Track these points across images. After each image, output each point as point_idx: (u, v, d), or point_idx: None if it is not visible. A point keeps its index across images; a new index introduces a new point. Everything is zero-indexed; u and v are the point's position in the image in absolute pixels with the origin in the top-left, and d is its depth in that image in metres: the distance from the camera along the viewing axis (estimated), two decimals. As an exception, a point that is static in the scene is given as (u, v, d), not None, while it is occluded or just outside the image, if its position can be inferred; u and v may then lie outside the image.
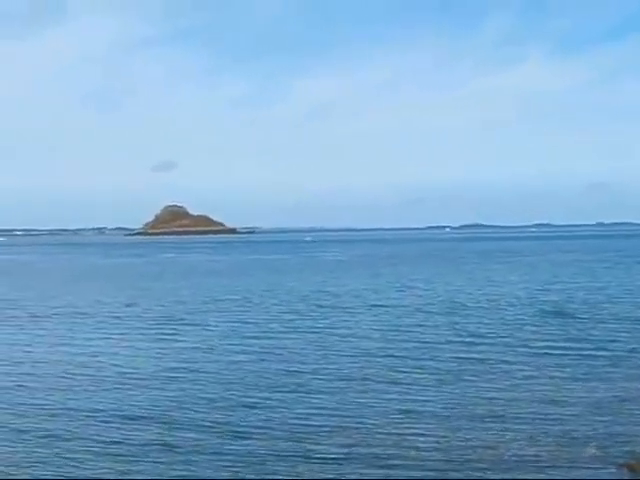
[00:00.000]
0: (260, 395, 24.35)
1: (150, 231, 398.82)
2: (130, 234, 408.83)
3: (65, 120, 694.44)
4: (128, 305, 51.64)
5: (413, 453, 18.27)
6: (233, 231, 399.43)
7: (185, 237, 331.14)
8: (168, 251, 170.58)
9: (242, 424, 20.90)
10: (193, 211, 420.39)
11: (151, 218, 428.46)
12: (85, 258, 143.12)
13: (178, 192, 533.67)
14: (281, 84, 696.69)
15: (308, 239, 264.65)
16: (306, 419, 21.38)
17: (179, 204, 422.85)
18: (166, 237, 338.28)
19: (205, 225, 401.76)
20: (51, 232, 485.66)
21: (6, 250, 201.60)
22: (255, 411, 22.31)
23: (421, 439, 19.37)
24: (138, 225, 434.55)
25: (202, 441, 19.40)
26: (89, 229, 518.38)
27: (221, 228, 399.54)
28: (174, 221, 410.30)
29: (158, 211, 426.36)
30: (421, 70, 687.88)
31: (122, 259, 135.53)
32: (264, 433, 20.03)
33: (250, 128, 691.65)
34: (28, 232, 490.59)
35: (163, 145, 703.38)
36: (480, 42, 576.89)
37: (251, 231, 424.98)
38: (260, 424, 20.88)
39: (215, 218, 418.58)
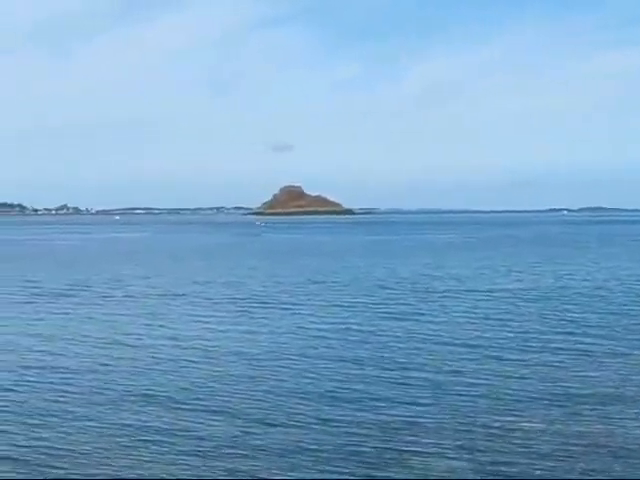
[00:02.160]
0: (348, 385, 23.11)
1: (267, 211, 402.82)
2: (248, 214, 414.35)
3: (185, 103, 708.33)
4: (227, 285, 51.50)
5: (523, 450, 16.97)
6: (350, 212, 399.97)
7: (301, 217, 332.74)
8: (283, 231, 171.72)
9: (331, 416, 19.73)
10: (310, 192, 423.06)
11: (269, 198, 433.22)
12: (198, 236, 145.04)
13: (296, 173, 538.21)
14: (395, 65, 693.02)
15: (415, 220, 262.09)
16: (399, 412, 20.02)
17: (296, 184, 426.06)
18: (283, 217, 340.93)
19: (321, 206, 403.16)
20: (170, 211, 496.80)
21: (120, 228, 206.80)
22: (343, 403, 21.08)
23: (533, 436, 17.94)
24: (257, 205, 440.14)
25: (291, 436, 18.27)
26: (208, 208, 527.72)
27: (337, 209, 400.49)
28: (291, 201, 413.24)
29: (276, 191, 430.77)
30: (533, 51, 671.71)
31: (237, 238, 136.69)
32: (352, 426, 18.85)
33: (365, 109, 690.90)
34: (149, 211, 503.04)
35: (280, 126, 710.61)
36: (596, 22, 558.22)
37: (368, 212, 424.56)
38: (348, 417, 19.69)
39: (332, 199, 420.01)
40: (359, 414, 19.87)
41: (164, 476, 15.71)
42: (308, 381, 23.59)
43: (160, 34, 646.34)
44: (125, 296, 46.01)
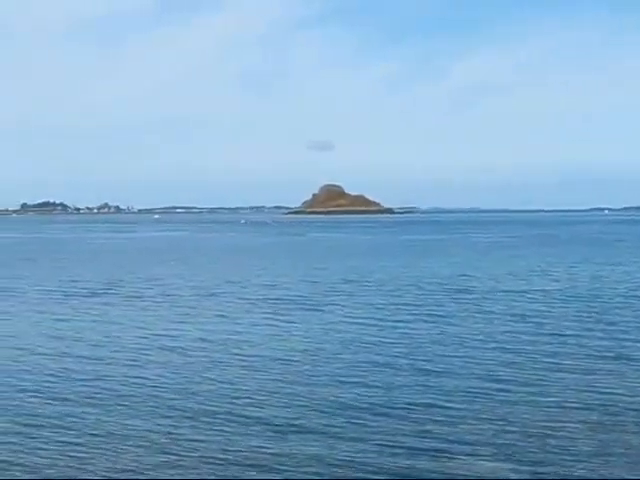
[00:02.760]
0: (382, 389, 22.83)
1: (307, 210, 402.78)
2: (288, 213, 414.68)
3: (227, 101, 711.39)
4: (262, 284, 51.53)
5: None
6: (390, 211, 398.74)
7: (341, 217, 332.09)
8: (322, 230, 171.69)
9: (365, 421, 19.48)
10: (350, 191, 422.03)
11: (309, 197, 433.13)
12: (236, 236, 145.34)
13: (336, 172, 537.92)
14: (436, 64, 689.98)
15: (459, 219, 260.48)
16: (435, 417, 19.68)
17: (336, 184, 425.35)
18: (323, 216, 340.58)
19: (361, 205, 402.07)
20: (211, 210, 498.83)
21: (159, 227, 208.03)
22: (377, 407, 20.78)
23: (571, 441, 17.61)
24: (296, 204, 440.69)
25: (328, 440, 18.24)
26: (247, 207, 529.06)
27: (377, 208, 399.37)
28: (331, 201, 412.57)
29: (316, 190, 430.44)
30: (582, 48, 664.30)
31: (275, 237, 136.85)
32: (387, 432, 18.51)
33: (405, 108, 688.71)
34: (189, 210, 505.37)
35: (321, 124, 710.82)
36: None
37: (408, 211, 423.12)
38: (383, 422, 19.39)
39: (372, 198, 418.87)
40: (394, 419, 19.60)
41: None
42: (342, 385, 23.32)
43: (203, 33, 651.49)
44: (160, 295, 46.14)
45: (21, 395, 22.09)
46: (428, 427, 18.69)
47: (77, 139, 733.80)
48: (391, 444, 17.41)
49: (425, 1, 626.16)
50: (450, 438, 17.79)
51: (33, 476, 15.77)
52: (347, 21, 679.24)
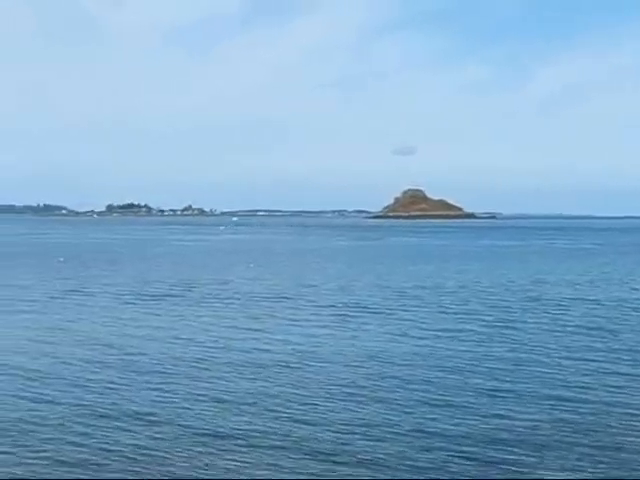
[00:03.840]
0: (450, 395, 22.42)
1: (389, 214, 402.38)
2: (370, 217, 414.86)
3: (312, 104, 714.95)
4: (336, 289, 51.21)
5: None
6: (472, 216, 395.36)
7: (422, 221, 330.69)
8: (402, 235, 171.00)
9: (430, 426, 19.28)
10: (432, 195, 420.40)
11: (391, 201, 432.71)
12: (315, 239, 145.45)
13: (418, 176, 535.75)
14: (522, 67, 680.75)
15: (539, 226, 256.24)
16: (506, 426, 19.23)
17: (418, 188, 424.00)
18: (404, 221, 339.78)
19: (443, 209, 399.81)
20: (293, 213, 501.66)
21: (239, 230, 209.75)
22: (442, 411, 20.57)
23: None
24: (378, 208, 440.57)
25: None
26: (330, 211, 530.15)
27: (459, 213, 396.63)
28: (413, 205, 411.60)
29: (398, 194, 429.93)
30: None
31: (354, 242, 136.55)
32: (450, 435, 18.42)
33: (490, 112, 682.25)
34: (271, 213, 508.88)
35: (403, 129, 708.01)
36: None
37: (491, 216, 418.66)
38: (450, 426, 19.21)
39: (454, 203, 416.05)
40: (461, 426, 19.24)
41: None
42: (410, 389, 22.98)
43: (290, 37, 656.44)
44: (233, 298, 46.26)
45: (93, 390, 22.29)
46: (497, 437, 18.31)
47: (163, 142, 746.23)
48: (457, 453, 17.09)
49: (512, 4, 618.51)
50: (516, 448, 17.33)
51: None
52: (432, 25, 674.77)
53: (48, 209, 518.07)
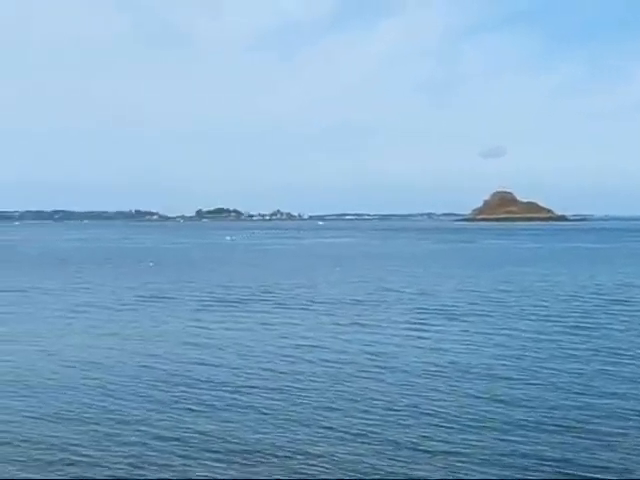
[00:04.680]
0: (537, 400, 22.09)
1: (478, 217, 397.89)
2: (458, 220, 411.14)
3: (399, 108, 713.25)
4: (420, 293, 50.92)
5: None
6: (562, 218, 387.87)
7: (512, 224, 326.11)
8: (491, 237, 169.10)
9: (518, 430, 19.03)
10: (521, 197, 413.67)
11: (479, 204, 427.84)
12: (402, 243, 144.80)
13: (507, 178, 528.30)
14: (614, 68, 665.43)
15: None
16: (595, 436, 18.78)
17: (507, 190, 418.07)
18: (493, 223, 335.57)
19: (533, 212, 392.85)
20: (381, 217, 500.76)
21: (326, 234, 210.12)
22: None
23: None
24: (466, 211, 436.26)
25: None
26: (418, 214, 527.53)
27: (549, 215, 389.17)
28: (502, 207, 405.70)
29: (487, 197, 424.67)
30: None
31: (442, 245, 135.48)
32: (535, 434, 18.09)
33: (581, 114, 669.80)
34: (359, 216, 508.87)
35: (492, 131, 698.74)
36: None
37: (582, 218, 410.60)
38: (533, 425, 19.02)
39: (544, 205, 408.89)
40: (544, 434, 18.85)
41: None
42: (492, 396, 22.63)
43: (377, 39, 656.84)
44: (315, 302, 46.41)
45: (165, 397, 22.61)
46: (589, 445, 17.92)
47: (253, 147, 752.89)
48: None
49: (602, 4, 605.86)
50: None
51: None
52: (518, 26, 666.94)
53: (139, 215, 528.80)
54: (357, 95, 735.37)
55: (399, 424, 19.61)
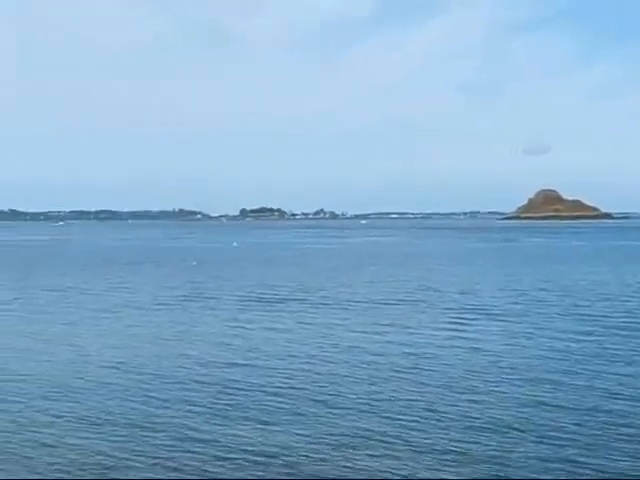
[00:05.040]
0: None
1: (522, 215, 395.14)
2: (502, 218, 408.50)
3: (442, 106, 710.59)
4: (460, 292, 50.44)
5: None
6: (608, 216, 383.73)
7: (557, 222, 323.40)
8: (535, 236, 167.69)
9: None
10: (566, 195, 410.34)
11: (524, 202, 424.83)
12: (443, 241, 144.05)
13: (552, 176, 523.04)
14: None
15: None
16: None
17: (552, 188, 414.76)
18: (537, 222, 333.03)
19: (578, 210, 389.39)
20: (425, 216, 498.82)
21: (367, 233, 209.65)
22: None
23: None
24: (511, 209, 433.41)
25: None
26: (461, 213, 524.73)
27: (595, 213, 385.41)
28: (547, 205, 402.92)
29: (531, 195, 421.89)
30: None
31: (483, 244, 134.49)
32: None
33: (627, 112, 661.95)
34: (402, 215, 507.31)
35: (535, 128, 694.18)
36: None
37: (627, 216, 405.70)
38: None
39: (589, 203, 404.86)
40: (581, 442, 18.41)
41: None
42: (533, 393, 22.25)
43: (420, 37, 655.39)
44: (355, 301, 46.15)
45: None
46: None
47: (296, 146, 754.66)
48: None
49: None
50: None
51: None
52: (568, 24, 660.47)
53: (182, 214, 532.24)
54: (400, 94, 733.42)
55: (439, 427, 19.29)
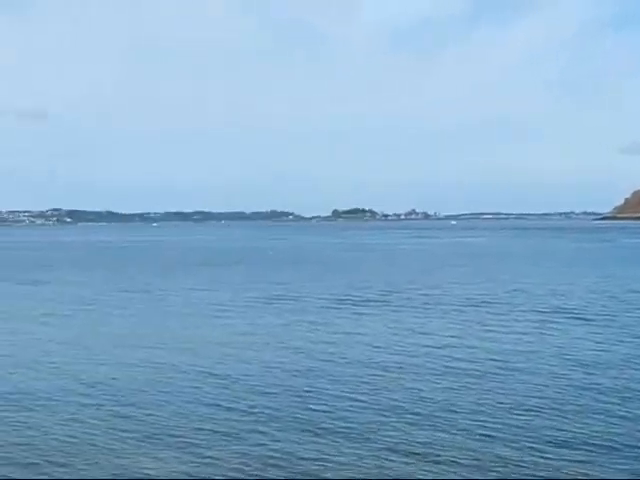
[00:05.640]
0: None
1: (618, 216, 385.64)
2: (597, 219, 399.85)
3: (536, 104, 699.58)
4: (547, 294, 49.52)
5: None
6: None
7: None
8: (631, 237, 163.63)
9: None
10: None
11: (620, 202, 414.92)
12: (536, 242, 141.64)
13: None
14: None
15: None
16: None
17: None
18: (634, 222, 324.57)
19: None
20: (518, 216, 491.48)
21: (460, 234, 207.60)
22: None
23: None
24: (607, 209, 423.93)
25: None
26: (555, 213, 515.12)
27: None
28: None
29: (628, 195, 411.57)
30: None
31: (576, 244, 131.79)
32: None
33: None
34: (495, 216, 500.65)
35: (632, 127, 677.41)
36: None
37: None
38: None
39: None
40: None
41: None
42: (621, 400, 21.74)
43: (515, 36, 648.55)
44: (441, 303, 45.77)
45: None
46: None
47: (389, 146, 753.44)
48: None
49: None
50: None
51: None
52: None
53: (275, 215, 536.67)
54: (496, 92, 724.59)
55: (527, 428, 19.08)
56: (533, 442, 17.90)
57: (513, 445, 17.75)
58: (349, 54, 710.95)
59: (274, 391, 23.35)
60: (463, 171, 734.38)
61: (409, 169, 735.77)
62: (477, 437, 18.41)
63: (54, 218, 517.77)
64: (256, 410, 21.08)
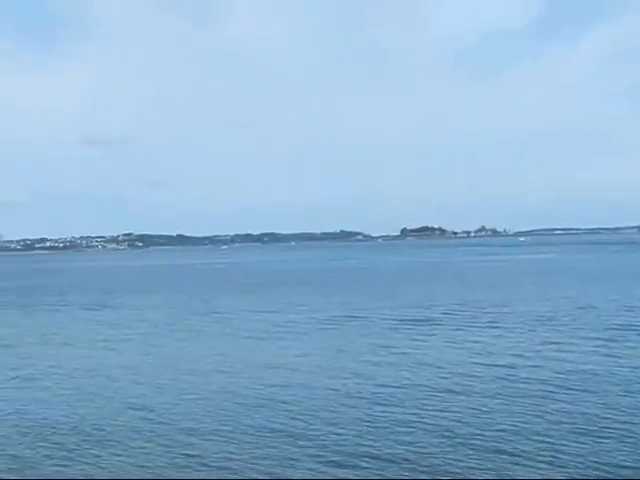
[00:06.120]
0: None
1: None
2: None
3: (606, 114, 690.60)
4: (616, 311, 48.47)
5: None
6: None
7: None
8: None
9: None
10: None
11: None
12: (606, 257, 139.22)
13: None
14: None
15: None
16: None
17: None
18: None
19: None
20: (589, 231, 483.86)
21: (526, 250, 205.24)
22: None
23: None
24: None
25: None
26: (628, 227, 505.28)
27: None
28: None
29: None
30: None
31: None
32: None
33: None
34: (567, 231, 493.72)
35: None
36: None
37: None
38: None
39: None
40: None
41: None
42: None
43: (582, 46, 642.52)
44: (505, 320, 45.17)
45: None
46: None
47: (455, 163, 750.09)
48: None
49: None
50: None
51: None
52: None
53: (344, 235, 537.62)
54: (563, 102, 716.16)
55: (594, 449, 18.74)
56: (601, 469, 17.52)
57: (582, 472, 17.38)
58: (416, 69, 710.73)
59: (336, 417, 23.22)
60: (533, 187, 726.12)
61: (478, 185, 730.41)
62: (545, 464, 18.07)
63: (125, 243, 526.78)
64: (320, 437, 21.04)
